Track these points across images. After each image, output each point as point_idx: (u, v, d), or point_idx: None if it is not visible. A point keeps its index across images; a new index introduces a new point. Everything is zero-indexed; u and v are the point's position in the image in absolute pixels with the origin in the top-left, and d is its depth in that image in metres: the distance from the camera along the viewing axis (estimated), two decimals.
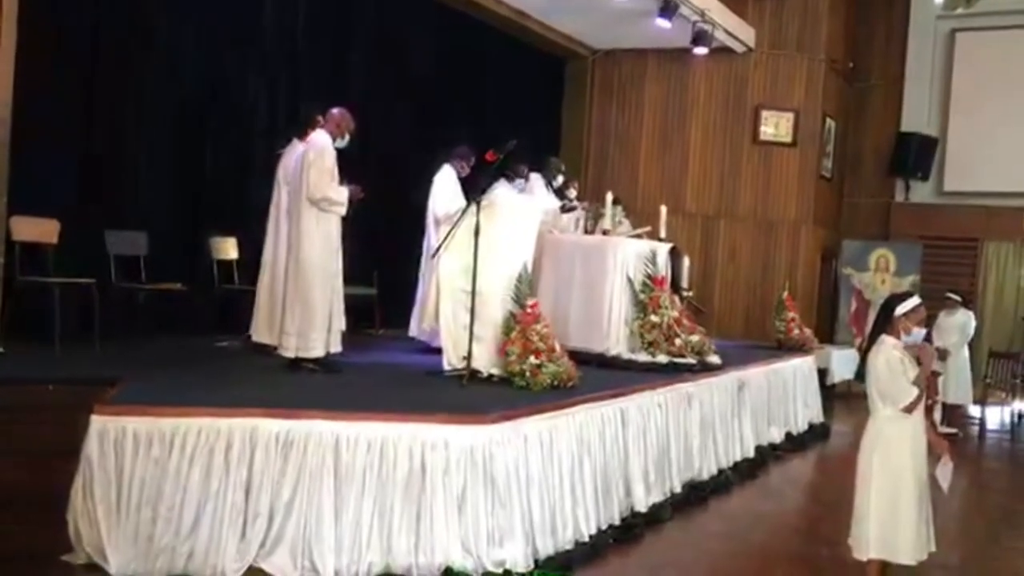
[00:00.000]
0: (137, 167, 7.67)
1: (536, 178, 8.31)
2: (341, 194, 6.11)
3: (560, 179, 8.50)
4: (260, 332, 6.99)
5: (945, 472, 4.17)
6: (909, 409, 4.12)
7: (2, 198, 6.12)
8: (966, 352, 10.24)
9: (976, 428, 10.48)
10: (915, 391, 4.12)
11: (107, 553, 4.32)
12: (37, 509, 4.46)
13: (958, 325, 10.13)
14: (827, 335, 12.85)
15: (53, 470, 4.48)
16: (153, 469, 4.42)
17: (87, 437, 4.42)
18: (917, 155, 13.42)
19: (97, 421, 4.43)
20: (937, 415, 9.61)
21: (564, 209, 8.33)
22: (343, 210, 6.17)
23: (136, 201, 7.64)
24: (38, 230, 6.46)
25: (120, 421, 4.45)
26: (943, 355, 10.00)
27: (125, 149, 7.54)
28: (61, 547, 4.38)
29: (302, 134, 6.70)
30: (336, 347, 6.26)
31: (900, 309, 4.25)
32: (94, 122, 7.22)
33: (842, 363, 11.49)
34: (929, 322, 9.14)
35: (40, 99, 6.60)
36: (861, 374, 4.30)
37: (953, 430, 9.65)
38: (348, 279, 6.55)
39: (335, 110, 6.26)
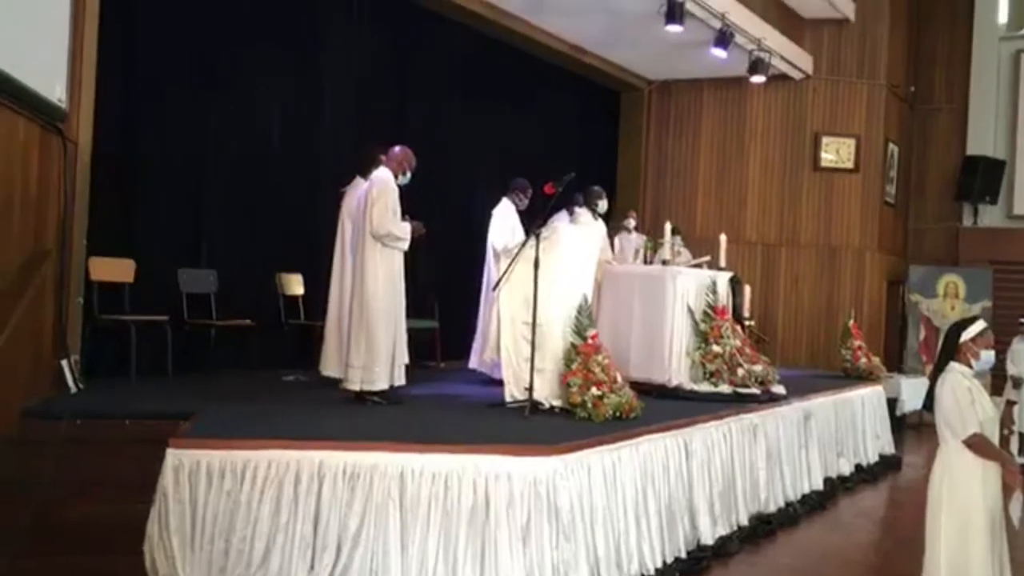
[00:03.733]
0: (207, 206, 7.91)
1: (582, 211, 8.31)
2: (404, 230, 6.25)
3: (602, 206, 8.47)
4: (329, 366, 7.12)
5: (1017, 506, 4.04)
6: (968, 444, 3.99)
7: (82, 240, 6.38)
8: None
9: None
10: (976, 426, 4.00)
11: None
12: (115, 540, 4.57)
13: None
14: (895, 364, 12.56)
15: (130, 502, 4.60)
16: (226, 501, 4.53)
17: (163, 470, 4.54)
18: (984, 178, 13.13)
19: (172, 455, 4.56)
20: (1014, 446, 9.30)
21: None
22: (406, 245, 6.30)
23: (206, 240, 7.88)
24: (115, 270, 6.70)
25: (194, 454, 4.57)
26: (1017, 383, 9.70)
27: (195, 189, 7.80)
28: None
29: (365, 171, 6.86)
30: (400, 380, 6.35)
31: (966, 335, 4.14)
32: (167, 164, 7.48)
33: (912, 392, 11.20)
34: (1003, 349, 8.89)
35: (115, 141, 6.88)
36: (930, 404, 4.20)
37: None
38: (409, 312, 6.64)
39: (397, 148, 6.41)
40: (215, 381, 7.00)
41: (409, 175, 6.40)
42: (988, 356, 4.15)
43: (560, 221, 7.75)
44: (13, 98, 5.19)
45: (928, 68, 13.82)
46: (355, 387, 6.20)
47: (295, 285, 8.22)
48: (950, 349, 4.16)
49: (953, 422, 4.03)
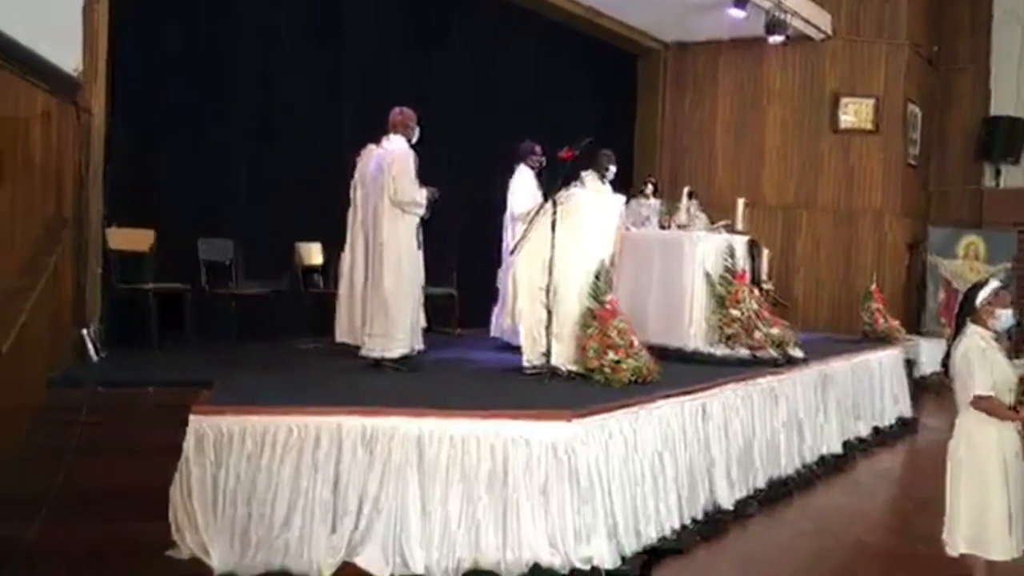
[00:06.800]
0: (226, 175, 7.91)
1: (588, 174, 8.15)
2: (423, 196, 6.27)
3: (611, 171, 8.32)
4: (342, 333, 7.16)
5: None
6: (977, 405, 3.98)
7: (100, 210, 6.41)
8: None
9: None
10: (985, 388, 3.97)
11: (208, 548, 4.49)
12: (140, 506, 4.64)
13: None
14: (914, 326, 12.48)
15: (155, 469, 4.66)
16: (247, 467, 4.59)
17: (185, 437, 4.61)
18: (1006, 139, 12.94)
19: (195, 422, 4.63)
20: None
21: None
22: (423, 211, 6.32)
23: (226, 208, 7.89)
24: (134, 239, 6.73)
25: (216, 421, 4.63)
26: None
27: (214, 157, 7.79)
28: (164, 542, 4.57)
29: (376, 139, 6.87)
30: (419, 345, 6.40)
31: (980, 298, 4.13)
32: (186, 133, 7.48)
33: (931, 355, 11.13)
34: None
35: (132, 111, 6.88)
36: (948, 368, 4.20)
37: None
38: (428, 279, 6.66)
39: (396, 112, 6.42)
40: (235, 349, 7.06)
41: (418, 131, 6.44)
42: (1006, 315, 4.12)
43: (578, 187, 7.69)
44: (29, 70, 5.19)
45: (951, 27, 13.55)
46: (375, 354, 6.24)
47: (314, 254, 8.23)
48: (967, 312, 4.15)
49: (966, 382, 4.02)
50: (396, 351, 6.21)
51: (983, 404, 3.99)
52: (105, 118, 6.41)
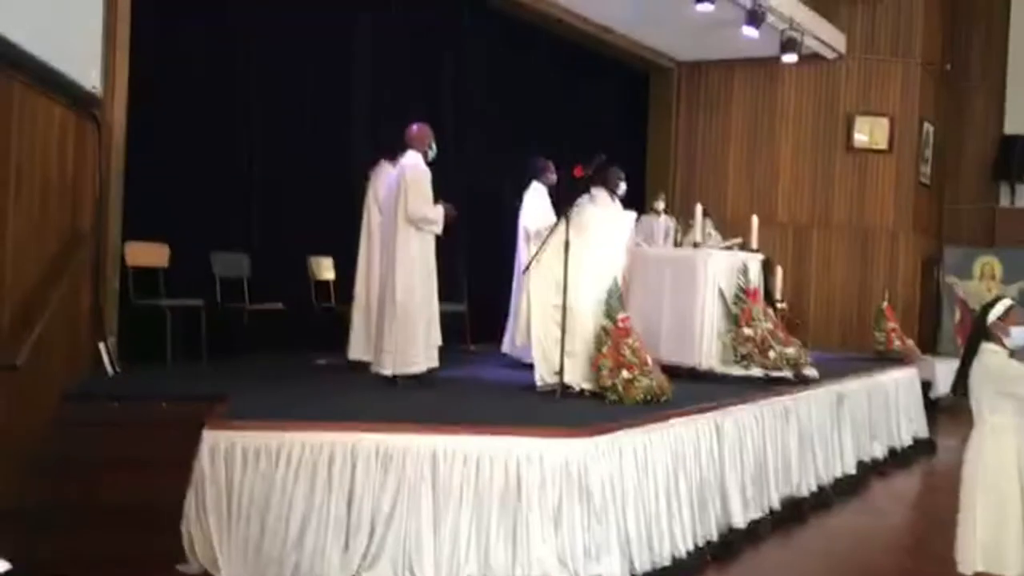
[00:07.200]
0: (239, 190, 7.96)
1: (599, 191, 8.14)
2: (438, 213, 6.30)
3: (622, 187, 8.32)
4: (356, 350, 7.18)
5: None
6: None
7: (116, 225, 6.46)
8: None
9: None
10: None
11: (219, 563, 4.50)
12: (154, 519, 4.66)
13: None
14: (930, 346, 12.41)
15: (168, 483, 4.67)
16: (261, 482, 4.59)
17: (199, 452, 4.62)
18: (1022, 158, 12.90)
19: (208, 436, 4.64)
20: None
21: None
22: (439, 228, 6.34)
23: (239, 223, 7.93)
24: (150, 254, 6.78)
25: (229, 436, 4.65)
26: None
27: (228, 173, 7.84)
28: (176, 556, 4.57)
29: (390, 153, 6.90)
30: (433, 362, 6.39)
31: (992, 316, 4.14)
32: (200, 148, 7.53)
33: (947, 375, 11.02)
34: None
35: (149, 126, 6.94)
36: (957, 388, 4.19)
37: None
38: (440, 296, 6.67)
39: (414, 127, 6.45)
40: (248, 364, 7.08)
41: (435, 148, 6.45)
42: (1018, 333, 4.12)
43: (590, 203, 7.70)
44: (49, 86, 5.25)
45: (965, 45, 13.55)
46: (388, 371, 6.24)
47: (326, 269, 8.27)
48: (980, 333, 4.15)
49: (1015, 388, 4.00)
50: (410, 368, 6.22)
51: None
52: (124, 133, 6.47)
